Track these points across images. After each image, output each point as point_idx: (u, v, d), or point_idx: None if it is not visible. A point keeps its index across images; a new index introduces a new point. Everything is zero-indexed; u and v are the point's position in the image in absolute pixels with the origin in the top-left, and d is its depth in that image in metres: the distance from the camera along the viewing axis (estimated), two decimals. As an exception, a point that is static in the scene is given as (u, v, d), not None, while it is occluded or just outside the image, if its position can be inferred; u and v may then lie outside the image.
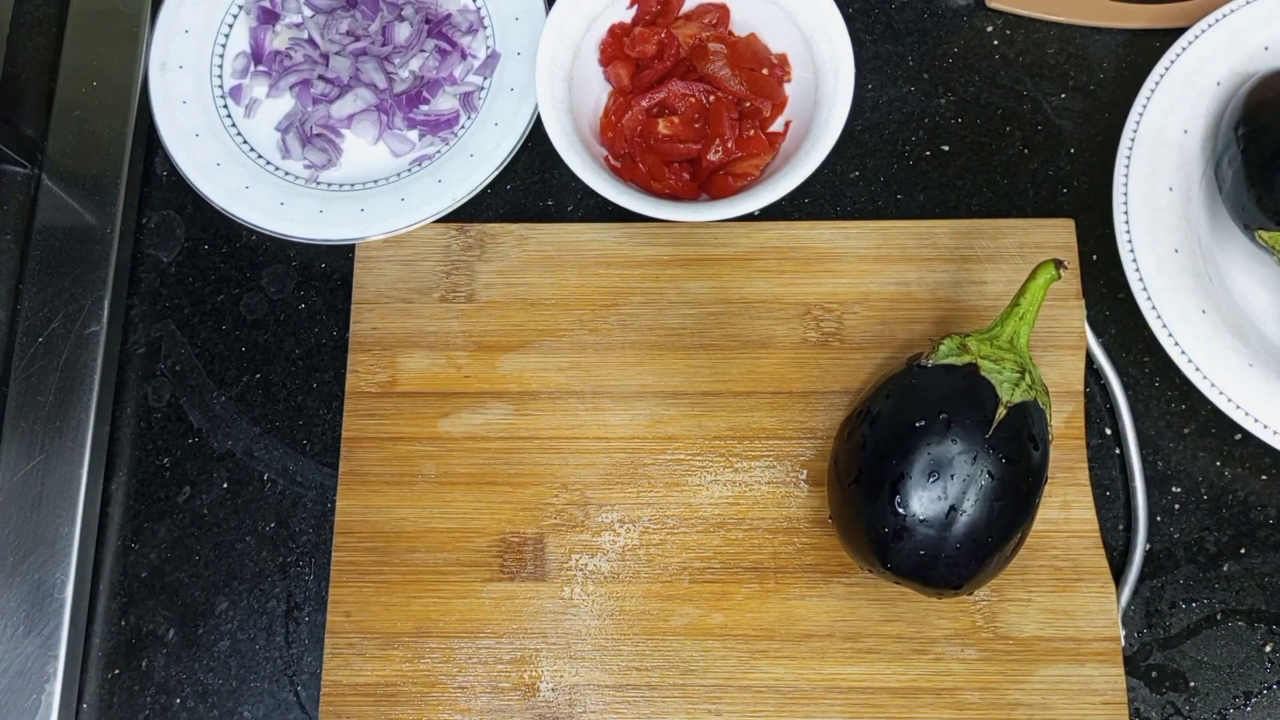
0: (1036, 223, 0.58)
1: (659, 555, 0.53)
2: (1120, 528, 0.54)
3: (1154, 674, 0.52)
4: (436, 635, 0.53)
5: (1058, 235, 0.57)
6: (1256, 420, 0.52)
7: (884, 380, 0.51)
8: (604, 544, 0.54)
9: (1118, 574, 0.53)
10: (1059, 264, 0.49)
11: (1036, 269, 0.49)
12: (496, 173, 0.59)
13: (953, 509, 0.45)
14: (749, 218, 0.59)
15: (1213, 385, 0.52)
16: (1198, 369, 0.52)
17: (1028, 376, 0.48)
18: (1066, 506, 0.53)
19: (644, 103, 0.58)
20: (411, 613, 0.53)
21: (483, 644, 0.52)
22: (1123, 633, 0.51)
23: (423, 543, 0.54)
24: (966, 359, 0.48)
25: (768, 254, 0.58)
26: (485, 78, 0.62)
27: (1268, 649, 0.52)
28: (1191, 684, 0.52)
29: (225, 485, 0.56)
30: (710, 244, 0.58)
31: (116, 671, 0.54)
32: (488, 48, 0.62)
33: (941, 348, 0.49)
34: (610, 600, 0.53)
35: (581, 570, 0.53)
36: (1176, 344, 0.53)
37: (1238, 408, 0.52)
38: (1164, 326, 0.53)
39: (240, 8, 0.63)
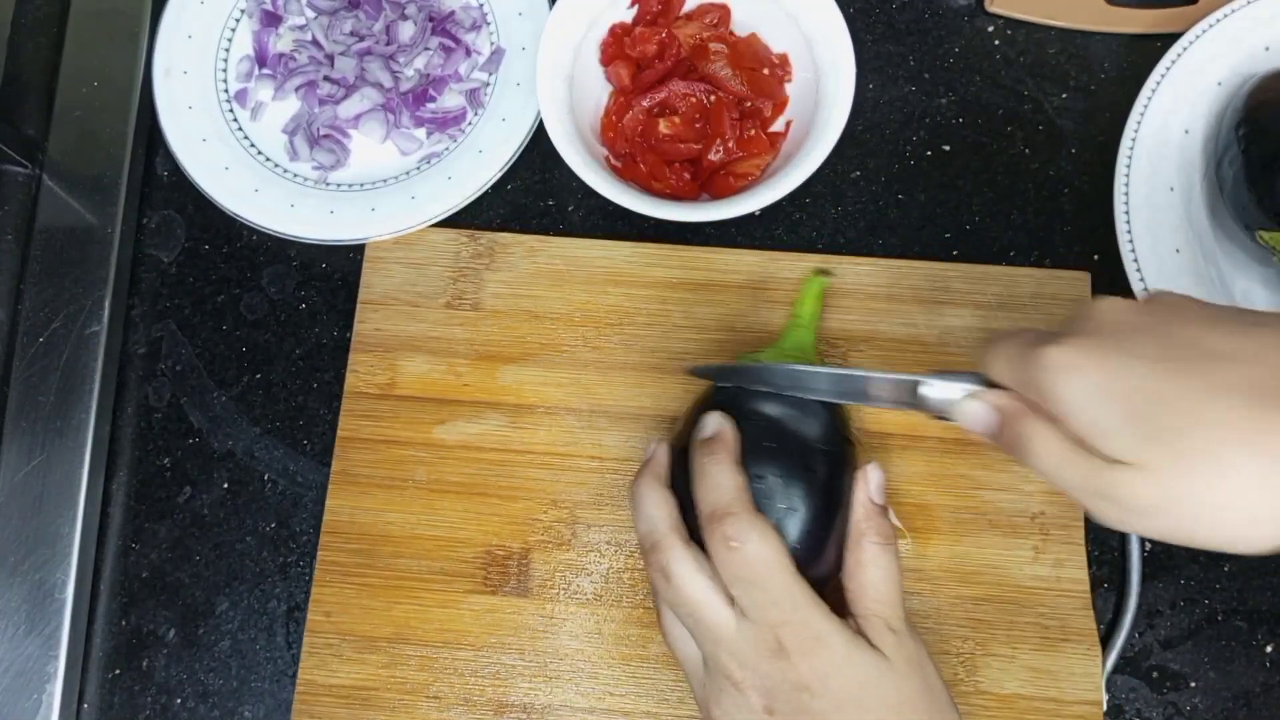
0: (1052, 274, 0.57)
1: (643, 580, 0.53)
2: (1121, 528, 0.54)
3: (1154, 674, 0.52)
4: (415, 643, 0.52)
5: (1072, 288, 0.56)
6: (1257, 420, 0.51)
7: (690, 409, 0.48)
8: (589, 565, 0.53)
9: (1119, 575, 0.53)
10: (825, 272, 0.50)
11: (806, 280, 0.51)
12: (506, 167, 0.59)
13: (781, 508, 0.43)
14: (750, 219, 0.59)
15: (1214, 385, 0.52)
16: (1199, 369, 0.52)
17: None
18: (1059, 564, 0.52)
19: (645, 102, 0.58)
20: (391, 618, 0.53)
21: (460, 655, 0.52)
22: (1105, 697, 0.51)
23: (408, 548, 0.54)
24: None
25: (778, 284, 0.56)
26: (491, 73, 0.62)
27: (1268, 649, 0.52)
28: (1192, 684, 0.52)
29: (226, 485, 0.56)
30: (720, 269, 0.57)
31: (117, 671, 0.54)
32: (492, 44, 0.62)
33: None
34: (591, 622, 0.53)
35: (565, 589, 0.53)
36: (1177, 344, 0.53)
37: (1239, 408, 0.52)
38: (1165, 327, 0.53)
39: (242, 11, 0.63)
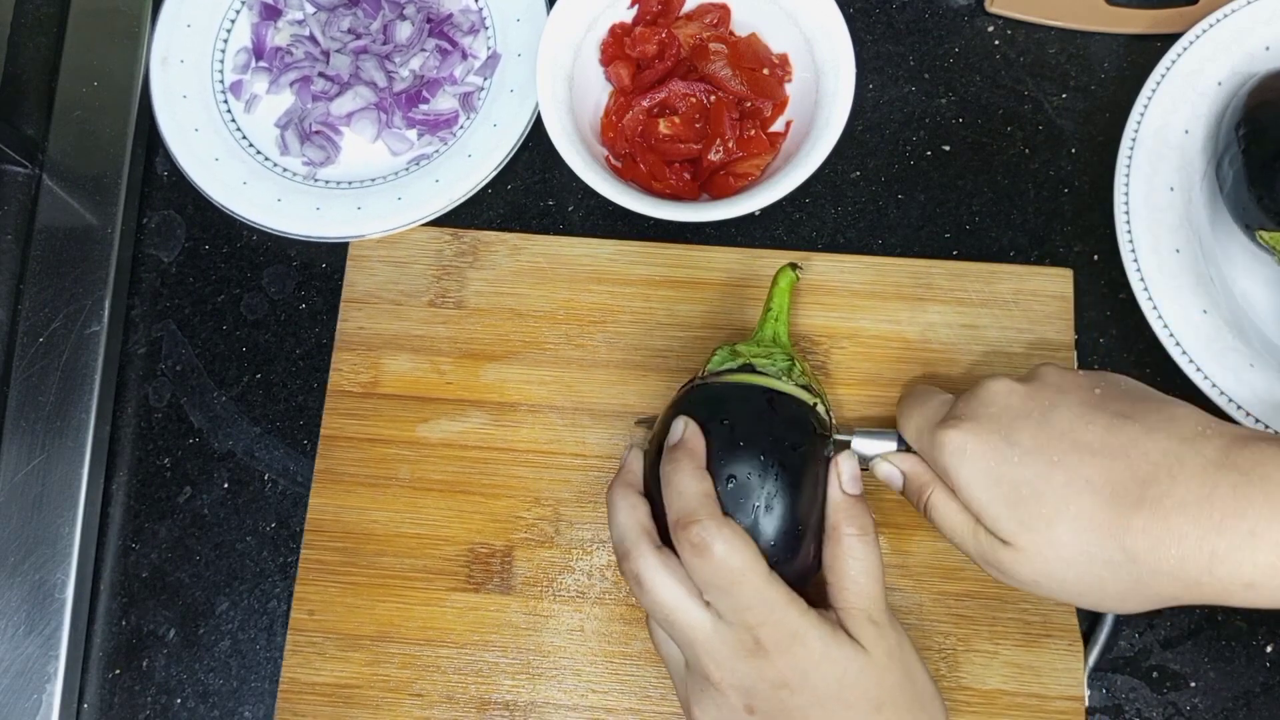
0: (1034, 270, 0.57)
1: None
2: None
3: (1154, 674, 0.52)
4: (398, 641, 0.52)
5: (1054, 285, 0.56)
6: (1258, 421, 0.52)
7: (665, 413, 0.48)
8: (572, 562, 0.53)
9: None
10: (795, 266, 0.51)
11: (777, 274, 0.51)
12: (494, 174, 0.59)
13: (757, 507, 0.43)
14: (749, 219, 0.59)
15: (1214, 386, 0.52)
16: (1199, 369, 0.52)
17: (797, 365, 0.48)
18: None
19: (645, 102, 0.58)
20: (375, 616, 0.53)
21: (443, 653, 0.52)
22: (1087, 693, 0.51)
23: (391, 546, 0.54)
24: (740, 361, 0.48)
25: (761, 281, 0.56)
26: (485, 78, 0.62)
27: (1268, 649, 0.52)
28: (1192, 684, 0.52)
29: (226, 485, 0.56)
30: (704, 267, 0.57)
31: (117, 671, 0.54)
32: (489, 48, 0.62)
33: (715, 358, 0.49)
34: (574, 619, 0.53)
35: (548, 587, 0.53)
36: (1178, 344, 0.53)
37: (1239, 408, 0.52)
38: (1165, 327, 0.53)
39: (243, 3, 0.63)
